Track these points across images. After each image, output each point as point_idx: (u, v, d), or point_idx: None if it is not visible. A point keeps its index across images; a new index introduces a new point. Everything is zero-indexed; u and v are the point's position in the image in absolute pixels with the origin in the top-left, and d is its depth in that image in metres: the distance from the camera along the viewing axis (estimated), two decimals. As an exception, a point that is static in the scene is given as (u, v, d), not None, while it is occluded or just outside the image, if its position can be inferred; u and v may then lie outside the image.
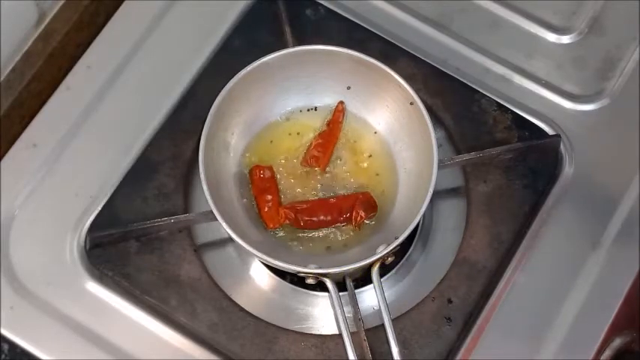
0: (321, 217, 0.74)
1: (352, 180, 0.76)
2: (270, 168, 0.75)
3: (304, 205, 0.74)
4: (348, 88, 0.77)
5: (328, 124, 0.77)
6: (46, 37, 0.82)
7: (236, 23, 0.84)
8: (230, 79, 0.73)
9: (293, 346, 0.72)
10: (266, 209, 0.74)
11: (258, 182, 0.75)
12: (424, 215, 0.70)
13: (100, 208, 0.77)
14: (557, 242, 0.78)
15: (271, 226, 0.74)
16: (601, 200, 0.79)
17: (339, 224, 0.74)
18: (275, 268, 0.74)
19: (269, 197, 0.74)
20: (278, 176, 0.76)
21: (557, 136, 0.80)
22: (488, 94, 0.81)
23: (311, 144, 0.76)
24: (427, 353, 0.72)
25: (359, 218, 0.73)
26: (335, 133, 0.77)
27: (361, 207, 0.73)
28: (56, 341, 0.73)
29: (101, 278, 0.75)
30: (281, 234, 0.74)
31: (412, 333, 0.73)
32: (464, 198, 0.79)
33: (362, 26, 0.84)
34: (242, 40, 0.83)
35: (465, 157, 0.77)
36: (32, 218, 0.77)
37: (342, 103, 0.77)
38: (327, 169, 0.76)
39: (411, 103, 0.73)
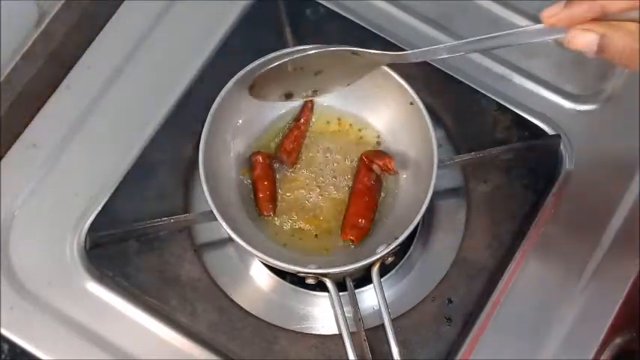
0: None
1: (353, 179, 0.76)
2: (270, 156, 0.75)
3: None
4: (348, 85, 0.77)
5: (297, 122, 0.77)
6: (46, 37, 0.82)
7: (236, 23, 0.84)
8: (230, 79, 0.73)
9: (293, 346, 0.72)
10: (261, 195, 0.74)
11: (258, 168, 0.75)
12: (424, 215, 0.70)
13: (100, 208, 0.77)
14: (557, 242, 0.78)
15: (265, 213, 0.74)
16: (601, 200, 0.79)
17: None
18: (275, 268, 0.74)
19: (266, 184, 0.74)
20: (278, 176, 0.76)
21: (557, 135, 0.80)
22: (488, 94, 0.81)
23: (282, 141, 0.76)
24: (427, 353, 0.72)
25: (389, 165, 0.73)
26: (303, 132, 0.77)
27: (383, 157, 0.74)
28: (56, 341, 0.73)
29: (101, 278, 0.75)
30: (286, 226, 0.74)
31: (412, 333, 0.73)
32: (464, 198, 0.79)
33: (362, 26, 0.84)
34: (242, 40, 0.83)
35: (465, 157, 0.77)
36: (32, 218, 0.77)
37: (310, 101, 0.77)
38: (328, 169, 0.76)
39: (411, 103, 0.73)
